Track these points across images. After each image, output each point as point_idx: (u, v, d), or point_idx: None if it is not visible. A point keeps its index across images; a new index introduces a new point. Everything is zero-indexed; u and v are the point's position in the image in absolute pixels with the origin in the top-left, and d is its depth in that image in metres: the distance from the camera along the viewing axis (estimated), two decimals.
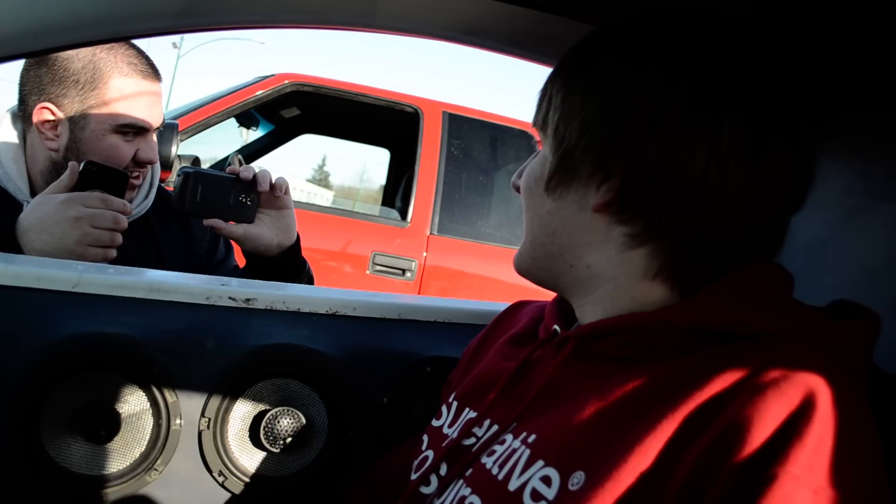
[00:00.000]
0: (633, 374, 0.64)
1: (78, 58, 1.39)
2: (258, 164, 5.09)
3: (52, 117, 1.41)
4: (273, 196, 1.41)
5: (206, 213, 1.34)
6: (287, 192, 1.44)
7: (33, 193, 1.42)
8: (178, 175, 1.31)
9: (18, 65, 1.44)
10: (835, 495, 0.50)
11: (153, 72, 1.45)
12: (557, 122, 0.72)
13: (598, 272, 0.72)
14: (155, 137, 1.49)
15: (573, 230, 0.73)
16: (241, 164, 3.73)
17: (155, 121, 1.45)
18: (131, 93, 1.39)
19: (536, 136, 0.78)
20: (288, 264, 1.46)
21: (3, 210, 1.38)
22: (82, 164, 1.28)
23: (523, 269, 0.80)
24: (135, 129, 1.41)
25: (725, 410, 0.55)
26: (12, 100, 1.49)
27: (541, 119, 0.76)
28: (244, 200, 1.37)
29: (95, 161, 1.32)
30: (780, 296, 0.68)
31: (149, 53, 1.46)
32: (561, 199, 0.73)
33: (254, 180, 1.38)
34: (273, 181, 1.40)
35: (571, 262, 0.74)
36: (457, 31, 0.97)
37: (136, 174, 1.44)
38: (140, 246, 1.47)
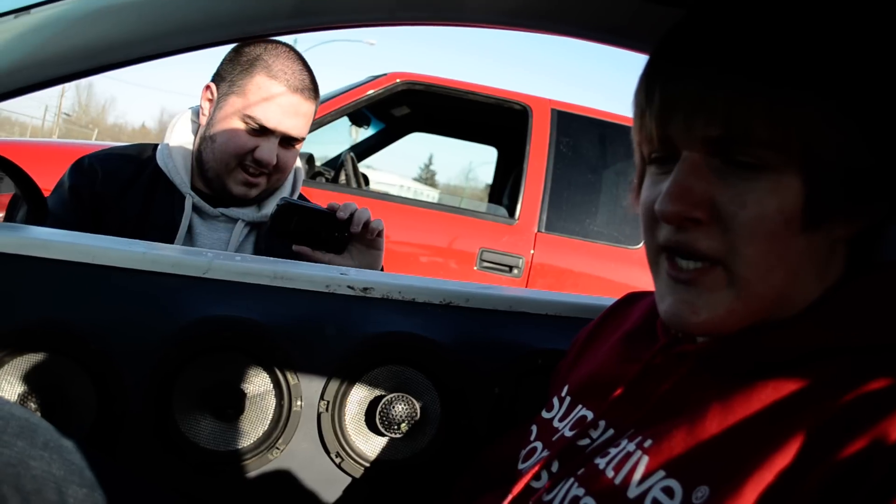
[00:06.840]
0: (759, 385, 0.62)
1: (249, 49, 1.49)
2: (368, 163, 5.21)
3: (210, 96, 1.53)
4: (365, 236, 1.45)
5: (296, 240, 1.43)
6: (380, 234, 1.47)
7: (194, 186, 1.55)
8: (277, 204, 1.41)
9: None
10: None
11: (302, 88, 1.50)
12: None
13: None
14: (296, 149, 1.56)
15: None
16: (353, 164, 3.83)
17: (283, 127, 1.49)
18: (267, 93, 1.46)
19: None
20: None
21: (168, 197, 1.51)
22: (278, 203, 1.40)
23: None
24: (259, 125, 1.47)
25: (864, 422, 0.53)
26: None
27: None
28: (337, 235, 1.43)
29: (290, 200, 1.43)
30: None
31: None
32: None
33: (349, 220, 1.43)
34: (369, 222, 1.44)
35: None
36: (539, 18, 0.96)
37: (251, 170, 1.50)
38: (283, 247, 1.53)
